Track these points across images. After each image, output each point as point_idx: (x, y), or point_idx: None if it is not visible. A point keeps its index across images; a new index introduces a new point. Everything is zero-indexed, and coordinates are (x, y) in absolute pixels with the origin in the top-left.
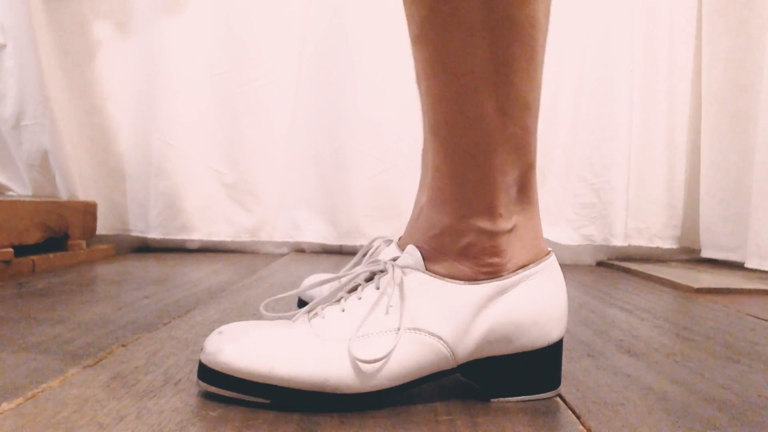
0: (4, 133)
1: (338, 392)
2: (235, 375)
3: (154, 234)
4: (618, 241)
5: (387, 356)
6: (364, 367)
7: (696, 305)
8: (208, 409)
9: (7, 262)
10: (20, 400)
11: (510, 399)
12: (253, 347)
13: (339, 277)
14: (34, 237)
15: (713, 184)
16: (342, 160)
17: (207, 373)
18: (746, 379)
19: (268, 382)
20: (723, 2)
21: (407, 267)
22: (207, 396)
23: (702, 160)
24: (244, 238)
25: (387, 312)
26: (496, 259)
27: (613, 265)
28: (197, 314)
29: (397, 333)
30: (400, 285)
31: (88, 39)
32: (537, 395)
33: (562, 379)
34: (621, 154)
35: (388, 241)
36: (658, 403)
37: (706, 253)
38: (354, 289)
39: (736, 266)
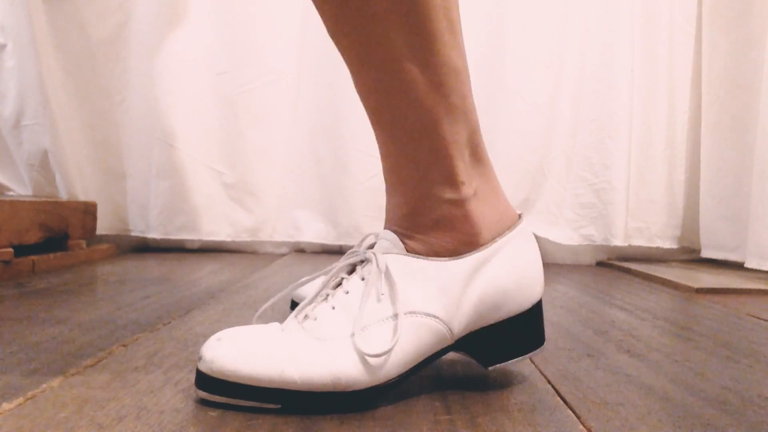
0: (4, 133)
1: (350, 389)
2: (243, 382)
3: (154, 234)
4: (618, 241)
5: (393, 346)
6: (373, 361)
7: (696, 305)
8: (208, 409)
9: (7, 262)
10: (20, 400)
11: (506, 363)
12: (260, 352)
13: (324, 272)
14: (34, 237)
15: (713, 184)
16: (342, 160)
17: (207, 382)
18: (746, 379)
19: (279, 386)
20: (723, 2)
21: (388, 252)
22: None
23: (702, 160)
24: (244, 238)
25: (379, 300)
26: (471, 227)
27: (613, 265)
28: (197, 314)
29: (395, 319)
30: (386, 272)
31: (88, 39)
32: (527, 354)
33: (562, 378)
34: (621, 154)
35: (377, 235)
36: (658, 403)
37: (706, 253)
38: (339, 284)
39: (736, 266)
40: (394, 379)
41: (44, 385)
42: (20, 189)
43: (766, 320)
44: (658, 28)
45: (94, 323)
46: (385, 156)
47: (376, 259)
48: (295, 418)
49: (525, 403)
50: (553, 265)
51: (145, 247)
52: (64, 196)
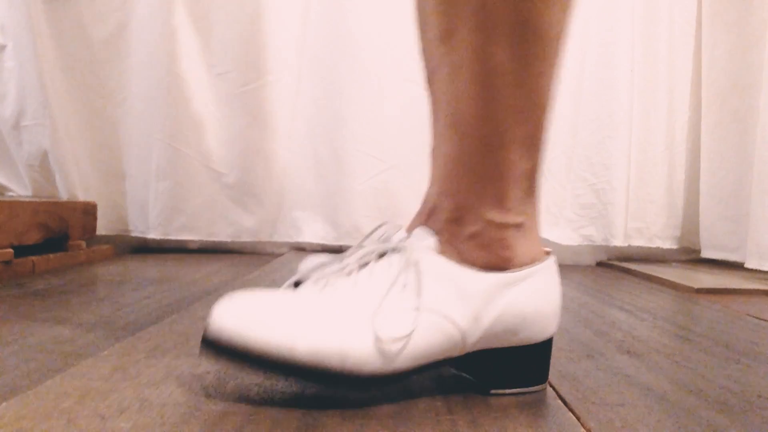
0: (4, 133)
1: (356, 370)
2: (252, 351)
3: (154, 234)
4: (618, 242)
5: (409, 335)
6: (385, 345)
7: (696, 305)
8: (210, 402)
9: (7, 263)
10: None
11: (504, 391)
12: (270, 322)
13: (341, 258)
14: (33, 237)
15: (713, 184)
16: (342, 160)
17: (214, 346)
18: (746, 379)
19: (287, 359)
20: (723, 2)
21: (421, 248)
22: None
23: (702, 160)
24: (244, 238)
25: (403, 290)
26: (504, 252)
27: (613, 265)
28: (199, 308)
29: (416, 311)
30: (416, 264)
31: (88, 39)
32: (529, 388)
33: (562, 379)
34: (621, 154)
35: (397, 227)
36: (658, 403)
37: (706, 254)
38: (365, 265)
39: (736, 266)
40: (398, 371)
41: (44, 385)
42: (20, 189)
43: (766, 320)
44: (658, 28)
45: (94, 323)
46: (451, 160)
47: (409, 250)
48: (296, 413)
49: (525, 404)
50: None
51: (145, 248)
52: (64, 196)
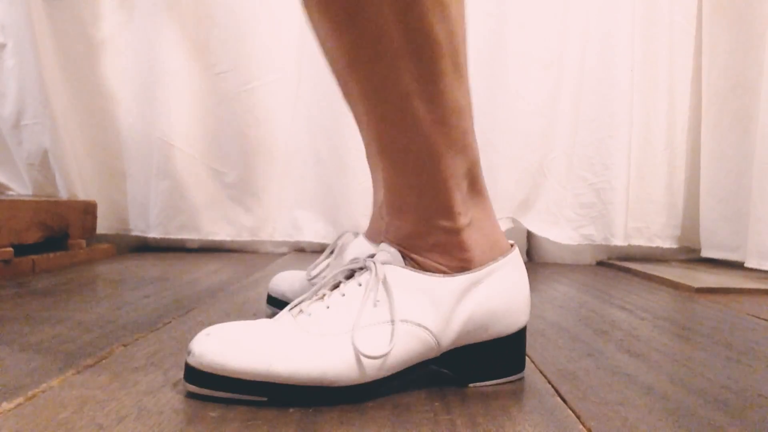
0: (4, 133)
1: (335, 385)
2: (231, 375)
3: (154, 234)
4: (618, 241)
5: (390, 351)
6: (367, 362)
7: (696, 305)
8: (208, 409)
9: (7, 262)
10: (20, 399)
11: (484, 383)
12: (247, 346)
13: (311, 277)
14: (34, 236)
15: (713, 184)
16: (342, 159)
17: (197, 376)
18: (746, 379)
19: (266, 380)
20: (723, 2)
21: (387, 263)
22: (207, 397)
23: (702, 160)
24: (244, 237)
25: (375, 305)
26: (464, 254)
27: (613, 265)
28: (197, 314)
29: (391, 324)
30: (384, 281)
31: (88, 39)
32: (507, 378)
33: (563, 378)
34: (621, 154)
35: (355, 233)
36: (658, 403)
37: (706, 253)
38: (336, 287)
39: (736, 266)
40: (378, 380)
41: (44, 385)
42: (20, 189)
43: (766, 320)
44: (658, 28)
45: (94, 323)
46: (388, 183)
47: (375, 267)
48: (294, 417)
49: (525, 403)
50: (553, 265)
51: (145, 247)
52: (64, 195)
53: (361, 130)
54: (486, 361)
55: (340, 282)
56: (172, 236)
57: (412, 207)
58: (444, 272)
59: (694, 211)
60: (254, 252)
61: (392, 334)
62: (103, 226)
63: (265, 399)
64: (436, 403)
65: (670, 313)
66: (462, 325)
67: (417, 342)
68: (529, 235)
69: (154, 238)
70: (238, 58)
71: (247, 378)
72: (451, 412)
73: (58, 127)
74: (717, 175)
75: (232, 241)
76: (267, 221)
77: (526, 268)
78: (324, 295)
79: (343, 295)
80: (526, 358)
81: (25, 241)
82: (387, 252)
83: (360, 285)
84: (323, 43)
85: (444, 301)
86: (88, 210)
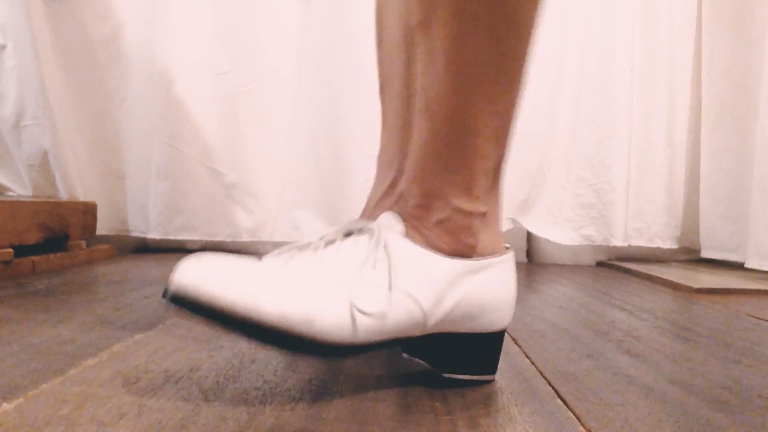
0: (4, 133)
1: (319, 337)
2: (217, 306)
3: (154, 234)
4: (618, 241)
5: (385, 310)
6: (361, 318)
7: (696, 305)
8: (209, 407)
9: (7, 263)
10: (20, 400)
11: (454, 376)
12: (238, 278)
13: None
14: (34, 237)
15: (713, 184)
16: (342, 160)
17: (179, 298)
18: (746, 379)
19: (253, 316)
20: (723, 2)
21: (389, 230)
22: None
23: (702, 160)
24: (244, 238)
25: (374, 268)
26: (469, 240)
27: (613, 265)
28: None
29: (390, 290)
30: (385, 246)
31: (88, 39)
32: (479, 376)
33: (563, 378)
34: (621, 154)
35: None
36: (658, 403)
37: (706, 253)
38: (330, 243)
39: (736, 266)
40: (362, 343)
41: (44, 386)
42: (20, 189)
43: (766, 320)
44: (658, 28)
45: (94, 323)
46: (422, 146)
47: (378, 231)
48: (295, 417)
49: (525, 404)
50: (553, 265)
51: (145, 248)
52: (64, 196)
53: (407, 87)
54: (463, 354)
55: (335, 240)
56: (172, 237)
57: (434, 175)
58: (444, 252)
59: (694, 212)
60: (254, 252)
61: (389, 298)
62: (103, 227)
63: (247, 335)
64: (437, 404)
65: (670, 313)
66: (451, 309)
67: (406, 315)
68: (529, 236)
69: (154, 239)
70: (238, 58)
71: (235, 311)
72: (452, 412)
73: (58, 127)
74: (717, 175)
75: (232, 242)
76: (267, 222)
77: (526, 269)
78: (317, 248)
79: (338, 251)
80: (526, 359)
81: (25, 242)
82: (389, 219)
83: (358, 245)
84: None
85: (440, 280)
86: (88, 211)
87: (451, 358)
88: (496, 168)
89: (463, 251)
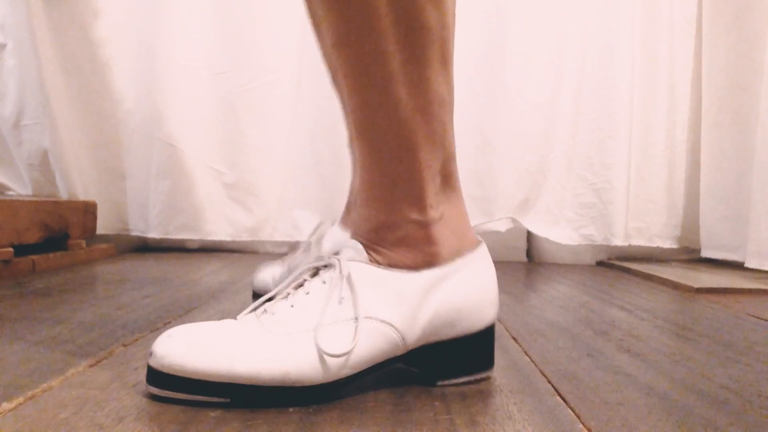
0: (4, 133)
1: (299, 385)
2: (193, 377)
3: (154, 234)
4: (618, 241)
5: (353, 348)
6: (330, 360)
7: (696, 305)
8: (208, 410)
9: (7, 262)
10: (20, 399)
11: (453, 381)
12: (208, 347)
13: (284, 263)
14: (34, 237)
15: (713, 184)
16: (342, 159)
17: (159, 378)
18: (746, 379)
19: (228, 381)
20: (723, 2)
21: (352, 260)
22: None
23: (702, 160)
24: (244, 237)
25: (340, 303)
26: (432, 248)
27: (613, 265)
28: (197, 314)
29: (355, 322)
30: (348, 278)
31: (88, 39)
32: (475, 375)
33: (563, 378)
34: (621, 154)
35: (332, 222)
36: (658, 403)
37: (706, 253)
38: (300, 285)
39: (736, 266)
40: (342, 379)
41: (44, 385)
42: (20, 189)
43: (766, 320)
44: (658, 28)
45: (94, 323)
46: (364, 169)
47: (339, 264)
48: (294, 418)
49: (525, 403)
50: (553, 265)
51: (145, 247)
52: (64, 195)
53: (345, 115)
54: (454, 359)
55: (305, 281)
56: (172, 236)
57: (383, 196)
58: (410, 267)
59: (694, 211)
60: (254, 252)
61: (356, 331)
62: (103, 226)
63: (227, 400)
64: (436, 403)
65: (670, 313)
66: (428, 322)
67: (382, 339)
68: (529, 235)
69: (154, 239)
70: (237, 58)
71: (209, 379)
72: (451, 411)
73: (58, 127)
74: (717, 175)
75: (232, 242)
76: (267, 221)
77: (526, 268)
78: (288, 294)
79: (308, 293)
80: (526, 358)
81: (25, 241)
82: (352, 249)
83: (324, 283)
84: (313, 16)
85: (409, 297)
86: (88, 210)
87: (443, 365)
88: (444, 169)
89: (429, 260)
